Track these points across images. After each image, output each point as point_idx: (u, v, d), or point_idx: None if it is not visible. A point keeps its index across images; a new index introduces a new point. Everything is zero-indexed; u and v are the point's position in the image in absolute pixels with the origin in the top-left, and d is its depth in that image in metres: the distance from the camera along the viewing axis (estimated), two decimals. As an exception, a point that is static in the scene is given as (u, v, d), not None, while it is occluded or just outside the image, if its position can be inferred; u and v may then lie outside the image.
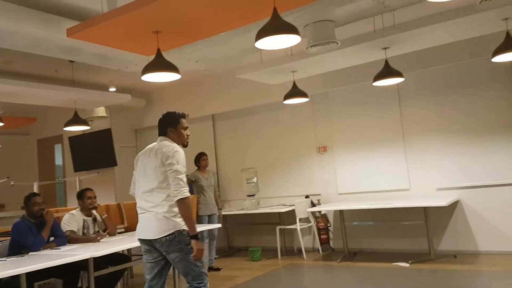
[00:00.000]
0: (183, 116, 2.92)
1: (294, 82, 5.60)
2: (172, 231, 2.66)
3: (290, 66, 5.36)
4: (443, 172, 5.61)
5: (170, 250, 2.68)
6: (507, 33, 4.30)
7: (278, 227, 6.35)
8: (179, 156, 2.72)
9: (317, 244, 6.38)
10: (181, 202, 2.62)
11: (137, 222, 2.84)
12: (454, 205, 5.47)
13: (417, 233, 5.62)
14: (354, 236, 6.16)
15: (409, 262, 5.17)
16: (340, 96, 6.47)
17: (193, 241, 2.64)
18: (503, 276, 4.40)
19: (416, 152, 5.84)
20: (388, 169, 6.03)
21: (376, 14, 4.46)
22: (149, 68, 3.82)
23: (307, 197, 6.63)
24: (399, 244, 5.86)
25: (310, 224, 6.37)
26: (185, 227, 2.67)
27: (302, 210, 6.17)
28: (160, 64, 3.79)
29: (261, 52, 5.26)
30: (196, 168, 5.80)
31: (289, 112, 6.92)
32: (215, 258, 5.85)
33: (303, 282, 5.01)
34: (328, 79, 6.17)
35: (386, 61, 4.94)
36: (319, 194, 6.59)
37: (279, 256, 6.28)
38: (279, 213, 6.41)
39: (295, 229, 6.14)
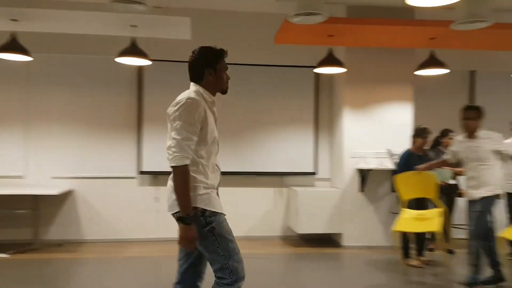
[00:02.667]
0: (224, 52, 2.21)
1: None
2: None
3: None
4: (61, 161, 5.57)
5: None
6: (132, 40, 4.76)
7: None
8: (189, 109, 2.02)
9: None
10: (173, 171, 2.03)
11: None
12: (67, 194, 5.52)
13: (26, 222, 5.30)
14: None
15: (10, 253, 4.82)
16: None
17: (180, 225, 2.03)
18: (99, 262, 4.77)
19: (38, 139, 5.56)
20: (4, 153, 5.47)
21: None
22: None
23: None
24: (4, 234, 5.36)
25: None
26: (200, 205, 2.07)
27: None
28: None
29: None
30: None
31: None
32: None
33: None
34: None
35: (12, 35, 4.46)
36: None
37: None
38: None
39: None
